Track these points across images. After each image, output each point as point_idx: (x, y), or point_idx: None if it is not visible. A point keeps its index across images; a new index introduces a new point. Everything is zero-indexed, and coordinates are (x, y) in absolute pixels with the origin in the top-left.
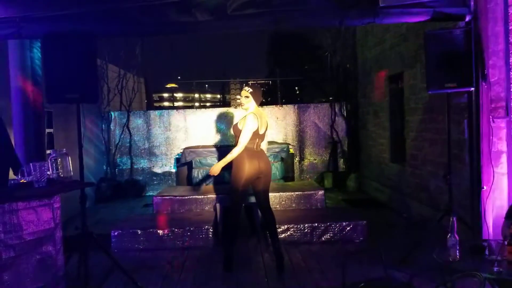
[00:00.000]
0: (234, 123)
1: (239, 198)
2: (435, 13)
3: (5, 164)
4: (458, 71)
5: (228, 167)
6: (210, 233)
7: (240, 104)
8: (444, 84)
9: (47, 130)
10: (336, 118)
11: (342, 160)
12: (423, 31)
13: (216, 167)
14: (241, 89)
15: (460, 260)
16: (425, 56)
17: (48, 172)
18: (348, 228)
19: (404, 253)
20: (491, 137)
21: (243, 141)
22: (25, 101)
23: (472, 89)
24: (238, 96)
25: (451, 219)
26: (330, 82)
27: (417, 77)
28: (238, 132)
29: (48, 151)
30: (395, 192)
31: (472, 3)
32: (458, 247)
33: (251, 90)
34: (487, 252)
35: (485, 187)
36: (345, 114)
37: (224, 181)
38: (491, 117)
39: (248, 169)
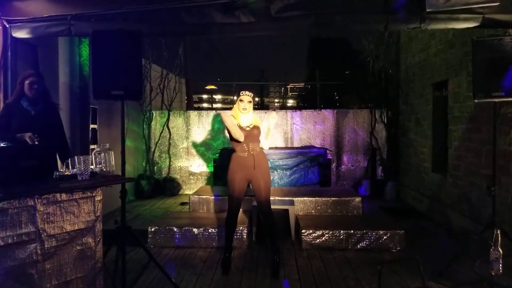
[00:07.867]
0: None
1: None
2: (485, 20)
3: (54, 155)
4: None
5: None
6: (245, 234)
7: (243, 109)
8: (491, 93)
9: (91, 126)
10: (376, 124)
11: (380, 167)
12: (471, 38)
13: None
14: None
15: (503, 275)
16: (472, 64)
17: (92, 166)
18: (385, 237)
19: (443, 265)
20: None
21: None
22: (72, 97)
23: None
24: (243, 101)
25: (494, 232)
26: (371, 87)
27: (463, 85)
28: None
29: (91, 146)
30: (434, 202)
31: None
32: (501, 261)
33: (252, 94)
34: None
35: None
36: (385, 121)
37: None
38: None
39: None
